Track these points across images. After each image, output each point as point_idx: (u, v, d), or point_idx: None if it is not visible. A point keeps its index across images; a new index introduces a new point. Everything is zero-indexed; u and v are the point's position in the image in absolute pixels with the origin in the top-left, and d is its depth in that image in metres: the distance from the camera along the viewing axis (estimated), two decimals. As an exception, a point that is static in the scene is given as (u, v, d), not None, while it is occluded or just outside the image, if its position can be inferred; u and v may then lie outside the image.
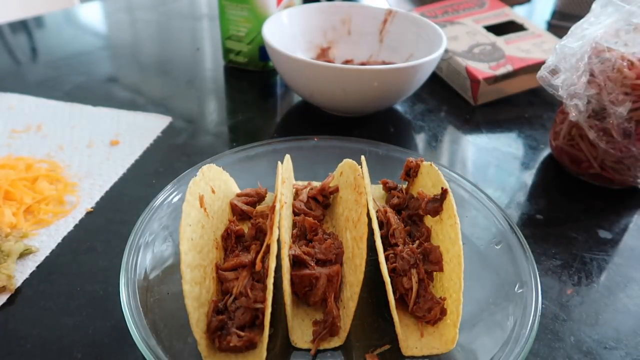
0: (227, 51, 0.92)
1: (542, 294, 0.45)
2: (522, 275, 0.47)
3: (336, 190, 0.57)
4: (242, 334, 0.42)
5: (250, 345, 0.42)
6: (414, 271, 0.47)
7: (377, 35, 0.89)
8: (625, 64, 0.57)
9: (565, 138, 0.67)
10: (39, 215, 0.58)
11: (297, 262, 0.48)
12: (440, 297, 0.46)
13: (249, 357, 0.42)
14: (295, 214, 0.54)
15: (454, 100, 0.87)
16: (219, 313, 0.44)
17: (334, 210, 0.57)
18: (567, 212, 0.64)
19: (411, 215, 0.53)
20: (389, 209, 0.54)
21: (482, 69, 0.84)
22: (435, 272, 0.48)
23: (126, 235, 0.48)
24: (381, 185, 0.60)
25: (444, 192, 0.49)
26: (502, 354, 0.41)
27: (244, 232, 0.52)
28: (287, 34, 0.84)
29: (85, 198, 0.62)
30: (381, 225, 0.52)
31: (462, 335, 0.44)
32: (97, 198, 0.62)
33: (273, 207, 0.48)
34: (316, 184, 0.59)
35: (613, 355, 0.47)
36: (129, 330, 0.41)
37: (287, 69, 0.73)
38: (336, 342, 0.45)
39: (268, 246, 0.46)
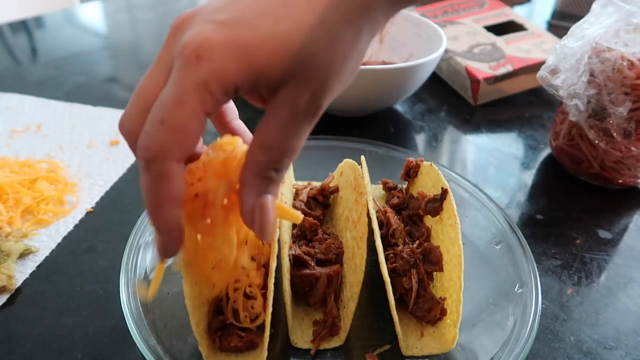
0: (227, 51, 0.92)
1: (542, 294, 0.45)
2: (522, 275, 0.47)
3: (336, 190, 0.57)
4: (242, 334, 0.42)
5: (251, 345, 0.42)
6: (414, 271, 0.47)
7: (377, 35, 0.88)
8: (625, 64, 0.57)
9: (565, 138, 0.67)
10: (39, 215, 0.58)
11: (297, 262, 0.48)
12: (440, 297, 0.46)
13: (250, 357, 0.42)
14: (295, 214, 0.54)
15: (454, 100, 0.87)
16: (219, 313, 0.44)
17: (334, 210, 0.57)
18: (567, 212, 0.64)
19: (411, 215, 0.53)
20: (389, 209, 0.54)
21: (482, 69, 0.84)
22: (435, 272, 0.48)
23: (126, 235, 0.48)
24: (381, 185, 0.60)
25: (444, 192, 0.49)
26: (502, 354, 0.41)
27: (244, 232, 0.51)
28: (287, 34, 0.84)
29: (85, 198, 0.62)
30: (381, 225, 0.52)
31: (462, 335, 0.44)
32: (97, 198, 0.62)
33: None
34: (316, 184, 0.59)
35: (613, 355, 0.47)
36: (129, 330, 0.41)
37: (287, 69, 0.73)
38: (336, 342, 0.45)
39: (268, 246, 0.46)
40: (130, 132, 0.33)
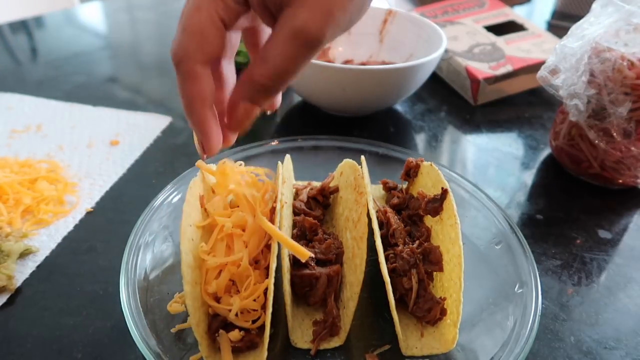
0: (227, 51, 0.92)
1: (542, 294, 0.45)
2: (522, 275, 0.47)
3: (336, 190, 0.57)
4: (243, 334, 0.42)
5: (251, 345, 0.42)
6: (414, 271, 0.47)
7: (377, 35, 0.88)
8: (625, 64, 0.57)
9: (565, 138, 0.67)
10: (39, 215, 0.58)
11: (297, 262, 0.48)
12: (440, 297, 0.46)
13: (250, 357, 0.42)
14: (295, 213, 0.54)
15: (454, 100, 0.87)
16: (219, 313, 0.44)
17: (334, 210, 0.57)
18: (567, 212, 0.64)
19: (411, 215, 0.53)
20: (389, 209, 0.54)
21: (482, 69, 0.84)
22: (435, 272, 0.48)
23: (126, 235, 0.48)
24: (381, 185, 0.60)
25: (444, 192, 0.49)
26: (502, 354, 0.41)
27: (244, 232, 0.51)
28: (287, 34, 0.84)
29: (85, 198, 0.62)
30: (381, 225, 0.52)
31: (462, 335, 0.44)
32: (97, 198, 0.62)
33: (273, 208, 0.48)
34: (316, 184, 0.59)
35: (613, 355, 0.47)
36: (129, 330, 0.41)
37: (287, 69, 0.73)
38: (336, 342, 0.45)
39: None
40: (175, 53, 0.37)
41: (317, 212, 0.55)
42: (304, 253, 0.42)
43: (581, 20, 0.62)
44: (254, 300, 0.42)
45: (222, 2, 0.35)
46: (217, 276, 0.43)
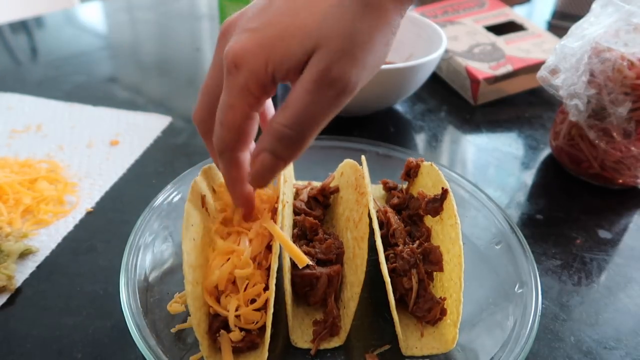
0: (227, 51, 0.92)
1: (542, 294, 0.45)
2: (522, 275, 0.47)
3: (336, 190, 0.57)
4: (243, 334, 0.42)
5: (252, 346, 0.42)
6: (414, 271, 0.47)
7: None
8: (625, 64, 0.57)
9: (565, 138, 0.67)
10: (39, 215, 0.58)
11: (297, 262, 0.48)
12: (440, 297, 0.46)
13: (251, 358, 0.42)
14: (295, 213, 0.54)
15: (454, 100, 0.87)
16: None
17: (335, 210, 0.57)
18: (567, 212, 0.64)
19: (411, 215, 0.53)
20: (389, 209, 0.53)
21: (482, 69, 0.84)
22: (435, 272, 0.48)
23: (126, 235, 0.48)
24: (381, 185, 0.60)
25: (444, 192, 0.49)
26: (502, 354, 0.41)
27: (244, 232, 0.51)
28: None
29: (85, 198, 0.62)
30: (381, 225, 0.52)
31: (462, 335, 0.44)
32: (97, 198, 0.62)
33: (275, 209, 0.48)
34: (316, 184, 0.59)
35: (613, 355, 0.47)
36: (129, 330, 0.41)
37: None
38: (336, 342, 0.45)
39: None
40: (200, 122, 0.41)
41: (317, 212, 0.55)
42: (303, 259, 0.43)
43: (581, 20, 0.62)
44: (256, 303, 0.42)
45: (251, 95, 0.36)
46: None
